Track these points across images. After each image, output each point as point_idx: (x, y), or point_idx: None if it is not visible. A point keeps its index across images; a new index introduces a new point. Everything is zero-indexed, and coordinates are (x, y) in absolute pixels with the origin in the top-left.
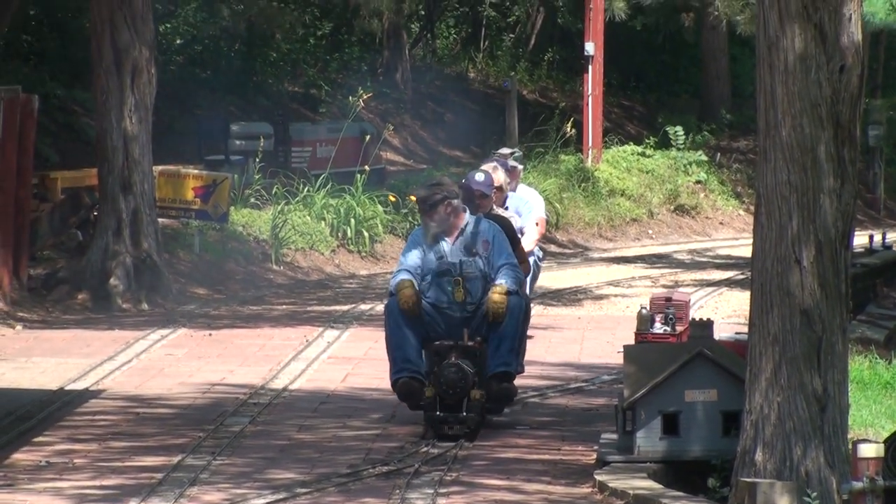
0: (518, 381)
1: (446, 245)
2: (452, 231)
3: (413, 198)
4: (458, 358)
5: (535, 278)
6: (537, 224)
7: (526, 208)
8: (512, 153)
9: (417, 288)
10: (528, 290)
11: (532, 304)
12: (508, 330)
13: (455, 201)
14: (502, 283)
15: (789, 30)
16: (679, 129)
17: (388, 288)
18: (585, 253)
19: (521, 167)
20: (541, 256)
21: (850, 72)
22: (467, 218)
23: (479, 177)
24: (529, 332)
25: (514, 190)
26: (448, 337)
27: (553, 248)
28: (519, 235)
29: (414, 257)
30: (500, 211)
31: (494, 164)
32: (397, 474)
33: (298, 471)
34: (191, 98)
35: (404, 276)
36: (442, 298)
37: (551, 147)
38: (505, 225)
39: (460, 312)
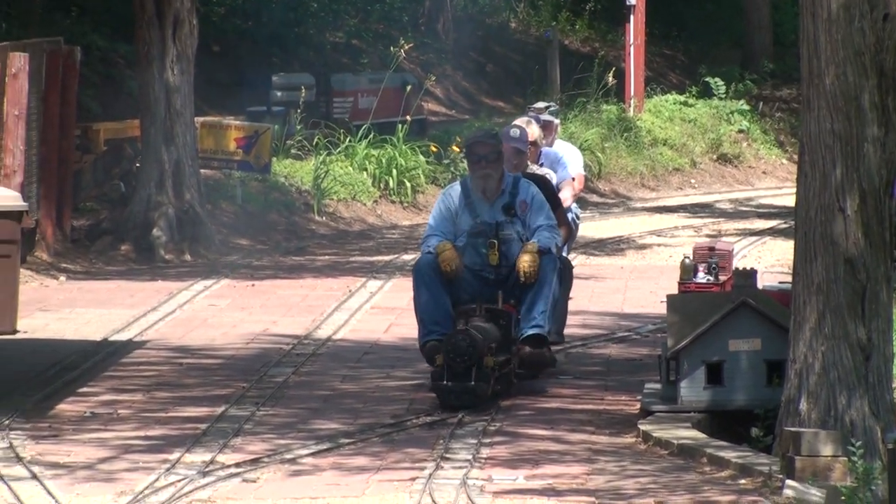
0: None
1: (484, 204)
2: (495, 190)
3: (456, 148)
4: (480, 322)
5: (573, 237)
6: (574, 180)
7: (561, 164)
8: (547, 107)
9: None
10: (565, 251)
11: (575, 255)
12: (541, 291)
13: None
14: (534, 241)
15: None
16: (719, 80)
17: (422, 250)
18: (628, 202)
19: (557, 121)
20: (578, 214)
21: (893, 20)
22: (506, 177)
23: (515, 132)
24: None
25: (550, 145)
26: (480, 300)
27: (595, 197)
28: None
29: (445, 220)
30: (534, 168)
31: (528, 118)
32: (441, 424)
33: (342, 421)
34: (232, 49)
35: (441, 238)
36: (476, 260)
37: (593, 97)
38: (544, 185)
39: (494, 275)
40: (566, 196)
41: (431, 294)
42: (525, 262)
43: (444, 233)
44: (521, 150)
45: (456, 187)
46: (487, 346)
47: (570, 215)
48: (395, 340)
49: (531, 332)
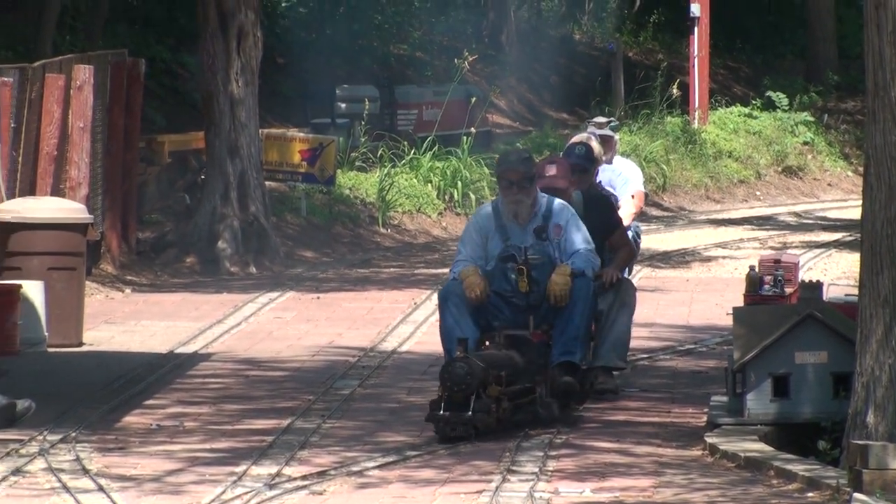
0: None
1: (515, 228)
2: (527, 215)
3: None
4: (491, 349)
5: (634, 256)
6: (633, 197)
7: (620, 180)
8: (608, 122)
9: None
10: (625, 272)
11: (639, 267)
12: (573, 315)
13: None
14: (567, 263)
15: None
16: (781, 94)
17: (449, 276)
18: (692, 215)
19: (616, 137)
20: (639, 231)
21: None
22: (539, 199)
23: (580, 150)
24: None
25: (609, 162)
26: (512, 326)
27: (658, 211)
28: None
29: (475, 244)
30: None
31: (588, 135)
32: (507, 437)
33: (409, 434)
34: (296, 61)
35: (466, 263)
36: (505, 287)
37: (657, 109)
38: (607, 205)
39: (525, 301)
40: (626, 214)
41: (456, 322)
42: (556, 284)
43: (472, 258)
44: (585, 167)
45: (487, 209)
46: (494, 374)
47: (630, 233)
48: None
49: (562, 359)
